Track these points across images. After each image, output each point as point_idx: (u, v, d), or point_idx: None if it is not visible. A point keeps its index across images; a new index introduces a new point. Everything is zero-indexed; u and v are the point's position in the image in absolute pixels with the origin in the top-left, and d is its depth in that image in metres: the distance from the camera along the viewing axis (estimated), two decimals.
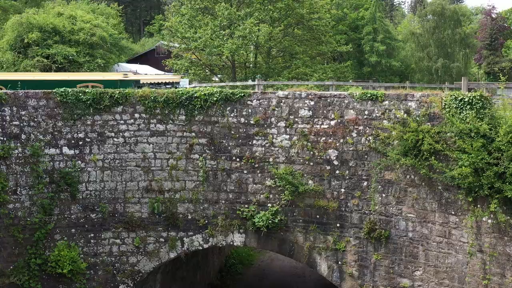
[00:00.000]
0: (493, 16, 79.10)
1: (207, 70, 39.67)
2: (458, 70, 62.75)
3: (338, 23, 66.18)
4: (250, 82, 30.43)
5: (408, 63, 69.43)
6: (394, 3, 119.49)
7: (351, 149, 17.64)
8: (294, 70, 36.95)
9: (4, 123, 17.53)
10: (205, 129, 18.62)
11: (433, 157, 15.86)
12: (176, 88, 22.89)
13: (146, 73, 54.73)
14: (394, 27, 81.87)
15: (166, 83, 23.64)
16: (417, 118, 16.54)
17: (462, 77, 18.32)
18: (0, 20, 49.06)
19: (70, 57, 35.57)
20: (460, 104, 15.81)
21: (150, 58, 64.18)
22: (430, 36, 64.78)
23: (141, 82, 21.78)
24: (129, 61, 60.99)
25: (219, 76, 40.20)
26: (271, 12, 36.40)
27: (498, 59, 74.37)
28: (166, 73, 49.60)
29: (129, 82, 21.08)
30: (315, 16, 38.01)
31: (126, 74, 23.21)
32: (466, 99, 15.73)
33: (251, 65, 38.95)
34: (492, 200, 14.88)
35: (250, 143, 18.45)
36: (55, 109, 18.16)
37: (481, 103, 15.58)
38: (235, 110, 18.50)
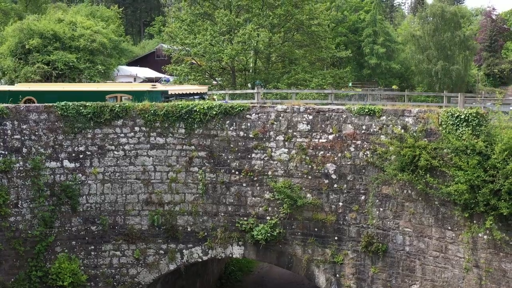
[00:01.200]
0: (493, 17, 79.18)
1: (206, 75, 39.85)
2: (458, 72, 62.84)
3: (338, 25, 66.35)
4: (249, 90, 30.63)
5: (408, 65, 69.59)
6: (394, 4, 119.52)
7: (349, 163, 17.79)
8: (293, 76, 37.11)
9: (5, 137, 17.70)
10: (205, 142, 18.77)
11: (428, 174, 16.02)
12: (204, 99, 22.49)
13: (146, 76, 54.91)
14: (394, 29, 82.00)
15: (194, 94, 23.17)
16: (414, 134, 16.68)
17: (459, 94, 18.43)
18: (1, 23, 49.20)
19: (71, 64, 35.71)
20: (456, 121, 15.93)
21: (150, 60, 64.35)
22: (430, 38, 64.83)
23: (169, 93, 21.70)
24: (129, 64, 61.11)
25: (218, 79, 40.39)
26: (270, 18, 36.56)
27: (498, 61, 74.49)
28: (166, 76, 49.75)
29: (157, 92, 21.11)
30: (314, 22, 38.16)
31: (155, 85, 23.24)
32: (462, 116, 15.85)
33: (250, 70, 39.13)
34: (487, 217, 15.06)
35: (249, 156, 18.61)
36: (56, 123, 18.33)
37: (477, 120, 15.71)
38: (234, 123, 18.65)
